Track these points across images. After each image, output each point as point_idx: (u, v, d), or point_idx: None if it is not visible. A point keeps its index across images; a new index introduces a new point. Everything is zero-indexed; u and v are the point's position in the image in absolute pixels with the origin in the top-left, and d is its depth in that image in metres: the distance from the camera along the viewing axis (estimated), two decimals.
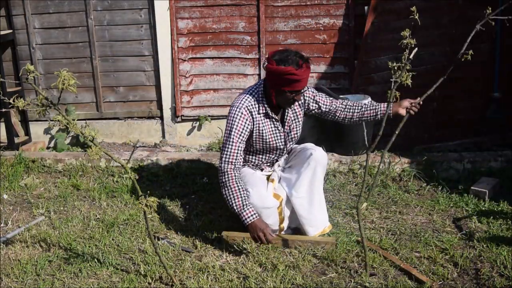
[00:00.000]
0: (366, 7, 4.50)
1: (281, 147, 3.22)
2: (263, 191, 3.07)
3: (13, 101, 2.23)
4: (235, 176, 3.00)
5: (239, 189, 2.98)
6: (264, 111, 3.09)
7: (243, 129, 3.05)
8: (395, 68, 2.47)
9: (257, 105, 3.08)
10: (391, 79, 2.50)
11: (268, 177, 3.26)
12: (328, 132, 4.59)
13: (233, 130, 3.04)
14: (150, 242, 3.15)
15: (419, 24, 2.42)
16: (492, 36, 4.46)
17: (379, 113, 3.16)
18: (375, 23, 4.41)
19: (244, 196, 2.96)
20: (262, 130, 3.12)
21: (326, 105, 3.26)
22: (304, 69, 2.89)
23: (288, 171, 3.22)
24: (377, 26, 4.41)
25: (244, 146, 3.10)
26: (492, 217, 3.38)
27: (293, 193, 3.11)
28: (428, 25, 4.37)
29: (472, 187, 3.74)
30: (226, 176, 3.00)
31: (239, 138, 3.04)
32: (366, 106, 3.21)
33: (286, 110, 3.15)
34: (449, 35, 4.47)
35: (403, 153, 4.33)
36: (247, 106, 3.06)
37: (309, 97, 3.23)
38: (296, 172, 3.13)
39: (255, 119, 3.08)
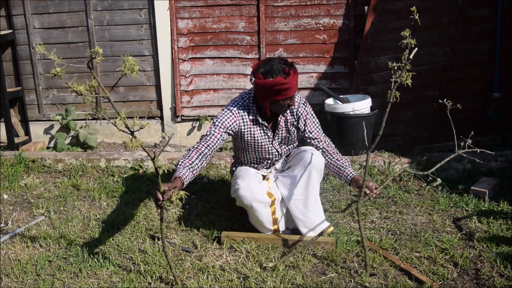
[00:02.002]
0: (366, 7, 4.51)
1: (274, 152, 3.23)
2: (253, 184, 3.04)
3: (72, 84, 2.14)
4: (198, 152, 2.92)
5: (191, 159, 2.88)
6: (254, 117, 3.11)
7: (230, 124, 3.06)
8: (395, 68, 2.47)
9: (247, 111, 3.11)
10: (391, 79, 2.50)
11: (264, 177, 3.26)
12: (328, 132, 4.60)
13: (219, 122, 3.05)
14: (150, 242, 3.15)
15: (419, 24, 2.42)
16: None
17: (342, 178, 3.14)
18: (375, 23, 4.41)
19: (189, 164, 2.85)
20: (254, 134, 3.14)
21: (311, 136, 3.21)
22: (292, 75, 2.91)
23: (285, 172, 3.21)
24: (377, 26, 4.42)
25: (221, 142, 3.04)
26: (492, 217, 3.38)
27: (288, 194, 3.10)
28: (428, 25, 4.38)
29: (472, 187, 3.74)
30: (192, 148, 2.95)
31: (223, 130, 3.03)
32: (335, 163, 3.16)
33: (278, 118, 3.15)
34: (449, 35, 4.47)
35: (403, 153, 4.34)
36: (238, 109, 3.10)
37: (302, 114, 3.19)
38: (292, 174, 3.11)
39: (245, 123, 3.11)
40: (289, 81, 2.89)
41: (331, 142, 3.27)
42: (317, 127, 3.25)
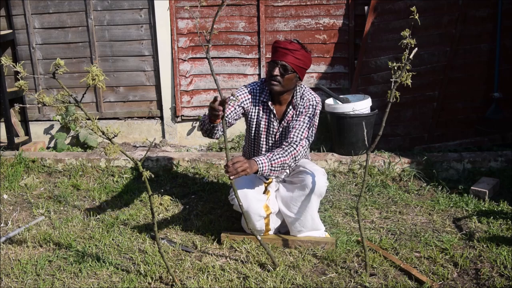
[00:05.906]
0: (366, 7, 4.51)
1: (273, 141, 3.18)
2: (249, 193, 2.97)
3: (38, 96, 2.24)
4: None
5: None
6: (265, 99, 3.13)
7: (244, 100, 3.15)
8: (395, 68, 2.47)
9: (259, 92, 3.17)
10: (391, 79, 2.50)
11: (265, 189, 3.20)
12: (328, 132, 4.60)
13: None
14: (150, 242, 3.15)
15: (419, 24, 2.42)
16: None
17: None
18: (375, 23, 4.41)
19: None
20: (257, 116, 3.16)
21: (290, 129, 3.11)
22: (289, 42, 2.98)
23: (286, 187, 3.14)
24: (377, 26, 4.42)
25: (234, 114, 3.11)
26: (492, 217, 3.38)
27: (285, 212, 3.09)
28: (428, 25, 4.38)
29: (472, 187, 3.74)
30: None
31: (238, 104, 3.12)
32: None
33: (287, 110, 3.12)
34: (449, 35, 4.47)
35: (403, 153, 4.34)
36: (252, 89, 3.18)
37: (300, 110, 3.11)
38: (292, 194, 3.05)
39: (255, 103, 3.16)
40: (282, 43, 2.99)
41: (298, 143, 2.98)
42: (301, 125, 3.04)
